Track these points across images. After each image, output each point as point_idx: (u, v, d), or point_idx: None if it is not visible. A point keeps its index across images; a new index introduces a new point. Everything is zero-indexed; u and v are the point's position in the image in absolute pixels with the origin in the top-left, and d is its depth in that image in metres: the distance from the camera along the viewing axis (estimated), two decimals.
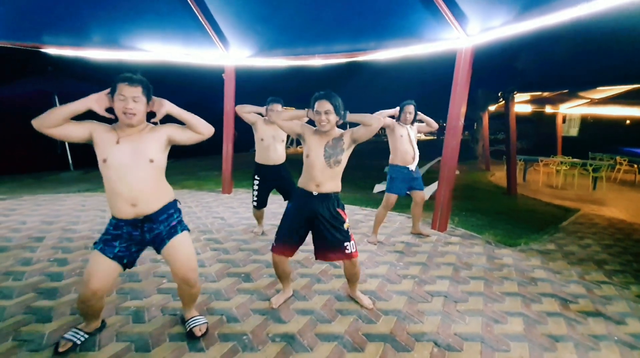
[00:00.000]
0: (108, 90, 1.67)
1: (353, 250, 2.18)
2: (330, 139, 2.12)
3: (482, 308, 2.40)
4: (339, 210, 2.17)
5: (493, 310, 2.38)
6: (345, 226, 2.17)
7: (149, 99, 1.71)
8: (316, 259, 2.25)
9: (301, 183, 2.21)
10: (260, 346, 1.91)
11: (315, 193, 2.13)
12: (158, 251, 1.83)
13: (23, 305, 2.22)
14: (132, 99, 1.64)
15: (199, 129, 1.80)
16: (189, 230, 1.91)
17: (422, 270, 3.00)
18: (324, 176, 2.11)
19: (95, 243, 1.76)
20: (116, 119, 1.71)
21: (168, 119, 1.80)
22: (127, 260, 1.78)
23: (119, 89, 1.63)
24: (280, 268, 2.27)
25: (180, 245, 1.82)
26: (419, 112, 3.55)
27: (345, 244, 2.16)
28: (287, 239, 2.19)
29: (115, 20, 4.67)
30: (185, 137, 1.81)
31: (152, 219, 1.75)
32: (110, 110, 1.68)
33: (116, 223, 1.74)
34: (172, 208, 1.84)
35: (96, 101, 1.65)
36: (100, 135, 1.67)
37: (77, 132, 1.66)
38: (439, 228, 4.10)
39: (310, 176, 2.13)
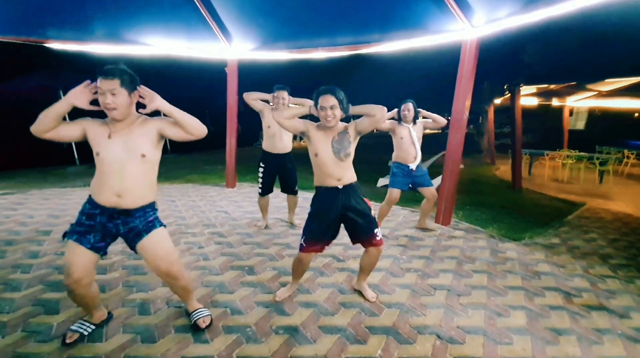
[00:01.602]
0: (87, 82, 1.62)
1: (380, 236, 2.22)
2: (336, 134, 2.11)
3: (485, 302, 2.40)
4: (365, 199, 2.20)
5: (496, 304, 2.39)
6: (373, 213, 2.20)
7: (131, 91, 1.65)
8: (353, 243, 2.29)
9: (320, 182, 2.17)
10: (263, 338, 1.93)
11: (340, 186, 2.13)
12: (132, 246, 1.79)
13: (31, 297, 2.26)
14: (109, 92, 1.59)
15: (189, 129, 1.71)
16: (165, 226, 1.88)
17: (426, 263, 3.00)
18: (339, 169, 2.12)
19: (67, 234, 1.72)
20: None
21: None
22: (102, 251, 1.76)
23: (98, 83, 1.59)
24: (304, 266, 2.28)
25: (161, 239, 1.81)
26: (422, 110, 3.54)
27: (375, 231, 2.19)
28: (320, 238, 2.17)
29: (118, 15, 4.66)
30: (174, 133, 1.74)
31: (129, 213, 1.73)
32: (96, 102, 1.64)
33: (90, 213, 1.72)
34: (149, 208, 1.82)
35: (77, 97, 1.60)
36: (92, 131, 1.67)
37: (71, 132, 1.66)
38: (443, 221, 4.09)
39: (327, 174, 2.12)
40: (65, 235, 1.73)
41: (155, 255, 1.78)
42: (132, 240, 1.78)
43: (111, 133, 1.67)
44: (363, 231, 2.18)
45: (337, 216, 2.16)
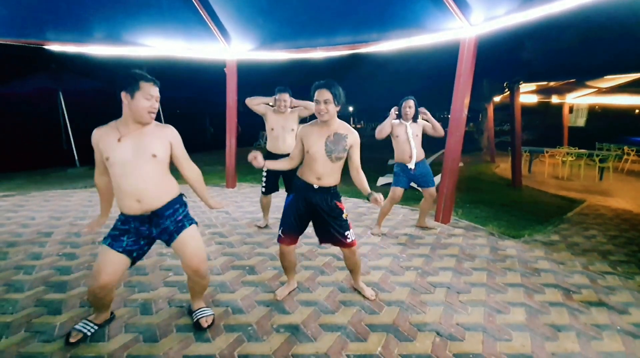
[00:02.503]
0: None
1: (352, 238, 2.22)
2: (332, 134, 2.07)
3: (485, 299, 2.41)
4: (337, 202, 2.19)
5: (495, 301, 2.40)
6: (344, 215, 2.20)
7: None
8: (320, 244, 2.31)
9: (301, 173, 2.20)
10: (265, 336, 1.95)
11: (316, 186, 2.14)
12: (168, 245, 1.88)
13: (34, 297, 2.28)
14: (156, 99, 1.71)
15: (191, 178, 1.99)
16: (196, 223, 1.94)
17: (425, 261, 3.01)
18: (325, 169, 2.11)
19: (104, 239, 1.80)
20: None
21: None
22: (136, 253, 1.82)
23: (144, 87, 1.66)
24: (288, 258, 2.30)
25: (191, 239, 1.86)
26: (427, 113, 3.53)
27: (346, 233, 2.19)
28: (293, 228, 2.21)
29: (117, 16, 4.67)
30: (178, 155, 1.86)
31: (158, 215, 1.79)
32: None
33: (125, 219, 1.79)
34: (177, 203, 1.87)
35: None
36: (103, 141, 1.72)
37: (103, 165, 1.78)
38: (443, 220, 4.10)
39: (312, 169, 2.13)
40: (103, 239, 1.82)
41: (186, 253, 1.84)
42: (168, 240, 1.86)
43: (121, 137, 1.71)
44: (333, 233, 2.19)
45: (306, 209, 2.18)
